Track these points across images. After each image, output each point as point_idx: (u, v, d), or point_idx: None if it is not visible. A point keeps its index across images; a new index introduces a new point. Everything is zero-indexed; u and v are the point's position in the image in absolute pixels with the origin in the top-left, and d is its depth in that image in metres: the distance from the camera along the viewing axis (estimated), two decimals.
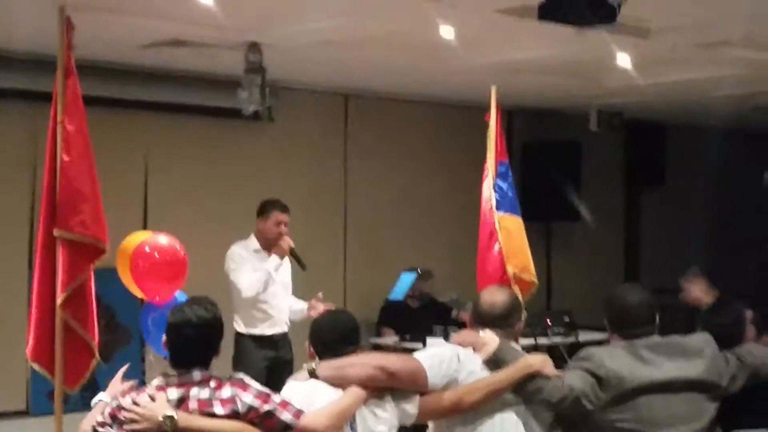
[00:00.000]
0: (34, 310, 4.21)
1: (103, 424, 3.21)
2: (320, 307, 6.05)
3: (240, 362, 6.16)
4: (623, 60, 6.74)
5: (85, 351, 4.25)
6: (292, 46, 6.22)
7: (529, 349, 7.43)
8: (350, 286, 8.60)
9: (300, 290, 6.48)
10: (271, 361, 6.15)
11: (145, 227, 7.06)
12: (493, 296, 3.78)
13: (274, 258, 6.10)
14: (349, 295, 8.56)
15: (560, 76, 7.63)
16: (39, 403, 6.36)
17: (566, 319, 8.02)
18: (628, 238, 11.09)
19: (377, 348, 7.98)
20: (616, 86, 7.89)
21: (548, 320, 7.88)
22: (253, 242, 6.26)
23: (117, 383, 3.49)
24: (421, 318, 7.76)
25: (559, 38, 5.88)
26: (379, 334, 8.16)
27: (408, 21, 5.64)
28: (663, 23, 5.88)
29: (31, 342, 4.20)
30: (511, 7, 5.10)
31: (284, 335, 6.29)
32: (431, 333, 7.06)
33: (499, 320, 3.70)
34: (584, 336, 7.67)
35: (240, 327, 6.22)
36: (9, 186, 6.68)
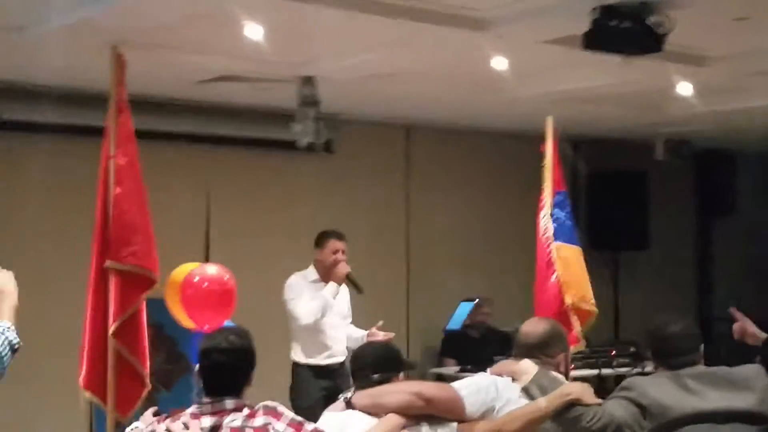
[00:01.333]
0: (86, 339, 4.30)
1: None
2: (379, 335, 6.11)
3: (297, 391, 6.22)
4: (684, 88, 6.66)
5: (137, 380, 4.32)
6: (346, 80, 6.29)
7: (592, 380, 7.39)
8: (413, 317, 8.61)
9: (363, 322, 6.50)
10: (329, 391, 6.16)
11: (207, 259, 7.18)
12: (531, 326, 3.77)
13: (332, 285, 6.16)
14: (412, 325, 8.57)
15: (621, 106, 7.57)
16: (102, 431, 6.50)
17: (632, 349, 7.90)
18: (700, 268, 10.88)
19: (439, 378, 7.96)
20: (679, 115, 7.79)
21: (613, 351, 7.79)
22: (311, 273, 6.33)
23: (149, 415, 3.56)
24: (482, 348, 7.71)
25: (614, 67, 5.85)
26: (440, 365, 8.14)
27: (458, 53, 5.67)
28: (719, 52, 5.82)
29: (84, 371, 4.29)
30: (556, 38, 5.10)
31: (341, 365, 6.31)
32: (492, 363, 7.01)
33: (534, 350, 3.67)
34: (651, 367, 7.51)
35: (298, 356, 6.28)
36: (72, 218, 6.85)
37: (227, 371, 3.27)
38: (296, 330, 6.23)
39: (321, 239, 6.35)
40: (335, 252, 6.25)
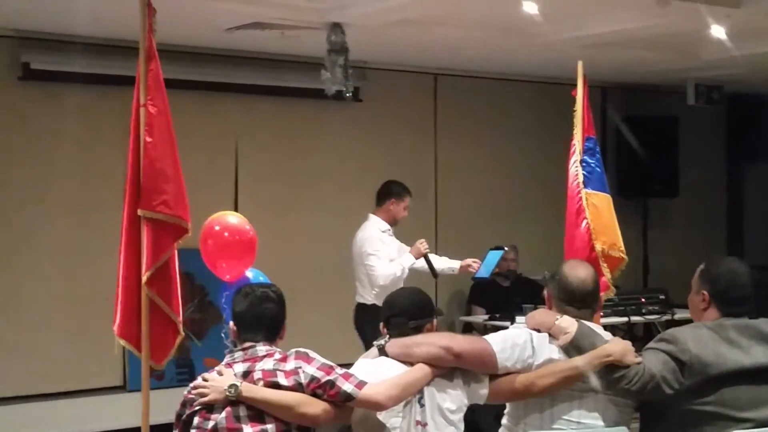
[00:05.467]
0: (120, 288, 4.30)
1: (181, 411, 3.33)
2: None
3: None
4: (717, 31, 6.54)
5: (171, 328, 4.31)
6: (375, 26, 6.25)
7: (621, 328, 7.38)
8: None
9: None
10: None
11: (236, 208, 7.21)
12: (581, 272, 3.59)
13: (410, 257, 6.38)
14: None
15: (652, 50, 7.46)
16: (135, 378, 6.54)
17: (662, 297, 7.86)
18: (731, 215, 10.80)
19: (467, 326, 7.98)
20: (712, 59, 7.67)
21: (642, 298, 7.76)
22: (382, 223, 6.53)
23: None
24: (510, 296, 7.71)
25: (647, 10, 5.76)
26: (469, 313, 8.16)
27: None
28: None
29: (118, 319, 4.30)
30: None
31: None
32: (521, 311, 7.02)
33: (590, 297, 3.58)
34: (681, 314, 7.49)
35: (370, 299, 6.42)
36: (104, 168, 6.89)
37: (265, 313, 3.38)
38: (365, 276, 6.42)
39: (401, 192, 6.61)
40: (406, 208, 6.57)
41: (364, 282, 6.46)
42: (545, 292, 3.70)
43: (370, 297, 6.41)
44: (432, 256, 6.52)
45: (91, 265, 6.76)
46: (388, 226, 6.53)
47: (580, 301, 3.56)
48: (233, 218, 4.82)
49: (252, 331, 3.36)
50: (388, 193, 6.58)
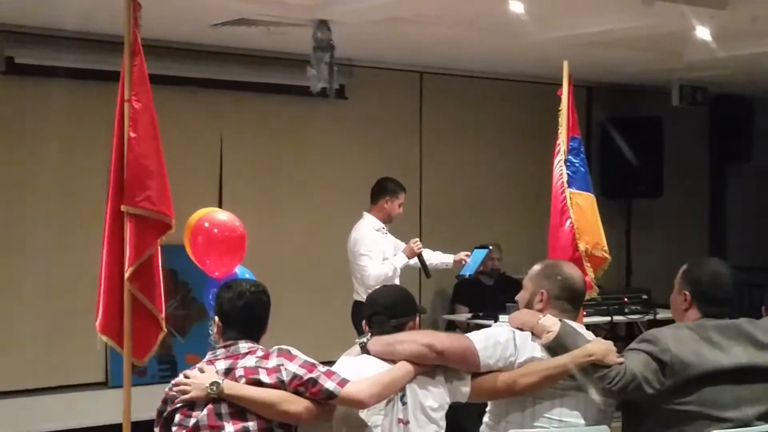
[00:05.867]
0: (102, 283, 4.28)
1: (163, 408, 3.31)
2: None
3: None
4: (702, 32, 6.58)
5: (153, 324, 4.30)
6: (361, 23, 6.25)
7: (603, 327, 7.40)
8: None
9: None
10: None
11: (220, 204, 7.19)
12: (578, 271, 3.65)
13: (403, 257, 6.34)
14: None
15: (637, 50, 7.50)
16: (117, 375, 6.53)
17: (644, 296, 7.90)
18: (714, 216, 10.85)
19: (450, 325, 7.99)
20: (697, 60, 7.71)
21: (625, 298, 7.79)
22: (375, 221, 6.47)
23: None
24: (494, 295, 7.72)
25: (632, 11, 5.78)
26: (452, 311, 8.16)
27: None
28: None
29: (100, 315, 4.29)
30: None
31: None
32: (504, 310, 7.04)
33: (584, 296, 3.64)
34: (663, 314, 7.53)
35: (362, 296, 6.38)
36: (87, 162, 6.87)
37: (257, 315, 3.39)
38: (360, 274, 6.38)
39: (396, 189, 6.52)
40: (401, 205, 6.48)
41: (359, 280, 6.44)
42: (542, 291, 3.62)
43: (365, 295, 6.39)
44: (426, 251, 6.50)
45: (74, 261, 6.73)
46: (382, 225, 6.48)
47: (579, 301, 3.61)
48: (222, 215, 4.81)
49: (238, 329, 3.36)
50: (382, 190, 6.52)
